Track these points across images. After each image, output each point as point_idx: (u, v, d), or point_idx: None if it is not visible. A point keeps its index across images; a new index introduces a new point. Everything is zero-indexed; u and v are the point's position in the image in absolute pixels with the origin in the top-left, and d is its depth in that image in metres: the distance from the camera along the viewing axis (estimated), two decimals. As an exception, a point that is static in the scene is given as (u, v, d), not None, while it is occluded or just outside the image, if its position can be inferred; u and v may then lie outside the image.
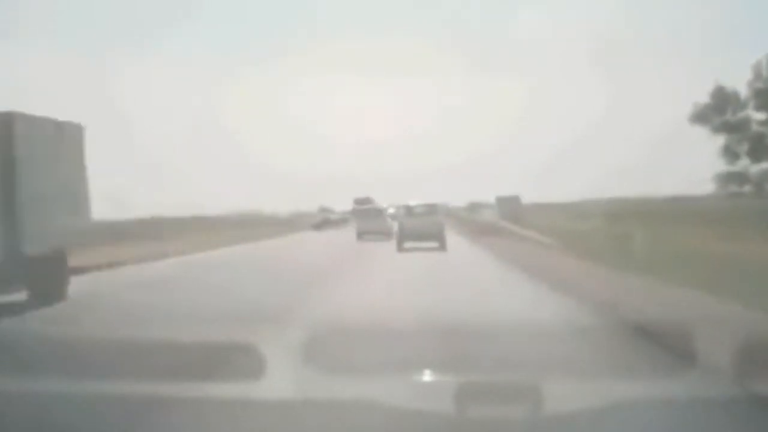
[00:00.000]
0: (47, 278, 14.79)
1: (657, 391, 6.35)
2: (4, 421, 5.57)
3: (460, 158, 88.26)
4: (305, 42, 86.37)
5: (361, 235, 40.96)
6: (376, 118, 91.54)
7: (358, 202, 68.05)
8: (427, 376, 7.10)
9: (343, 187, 69.92)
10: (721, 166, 44.44)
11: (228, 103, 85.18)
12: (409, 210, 32.59)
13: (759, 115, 44.51)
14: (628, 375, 7.15)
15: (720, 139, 44.61)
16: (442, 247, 29.87)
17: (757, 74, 43.87)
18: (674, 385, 6.55)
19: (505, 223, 42.24)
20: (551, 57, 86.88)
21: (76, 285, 15.95)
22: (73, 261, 16.64)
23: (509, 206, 53.28)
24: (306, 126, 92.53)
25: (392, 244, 31.90)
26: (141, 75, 77.17)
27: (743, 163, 44.53)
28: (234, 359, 7.33)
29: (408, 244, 30.20)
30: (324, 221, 63.35)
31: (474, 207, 70.75)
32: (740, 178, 44.67)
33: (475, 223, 49.42)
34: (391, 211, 50.83)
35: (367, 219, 44.05)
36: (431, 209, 32.59)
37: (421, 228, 30.93)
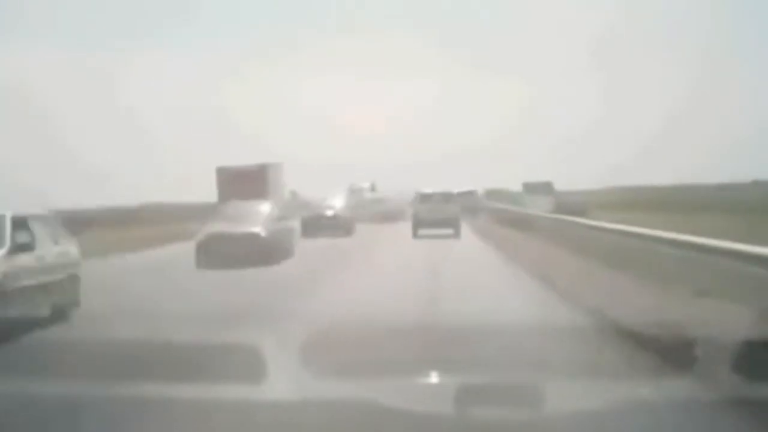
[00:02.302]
0: None
1: (656, 393, 6.37)
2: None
3: (464, 146, 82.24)
4: (308, 38, 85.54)
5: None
6: (374, 108, 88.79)
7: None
8: (428, 378, 7.12)
9: (343, 175, 57.44)
10: None
11: (231, 95, 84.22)
12: (424, 197, 32.33)
13: None
14: (629, 376, 7.11)
15: None
16: (457, 234, 29.93)
17: None
18: (674, 386, 6.54)
19: None
20: (560, 47, 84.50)
21: None
22: None
23: (543, 195, 42.66)
24: (309, 117, 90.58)
25: None
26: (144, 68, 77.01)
27: None
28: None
29: (422, 231, 30.29)
30: None
31: (495, 195, 51.77)
32: None
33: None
34: (333, 203, 35.23)
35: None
36: (446, 197, 32.33)
37: (436, 215, 30.97)
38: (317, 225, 32.43)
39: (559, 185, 46.56)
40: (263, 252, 20.02)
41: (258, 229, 20.81)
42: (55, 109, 69.05)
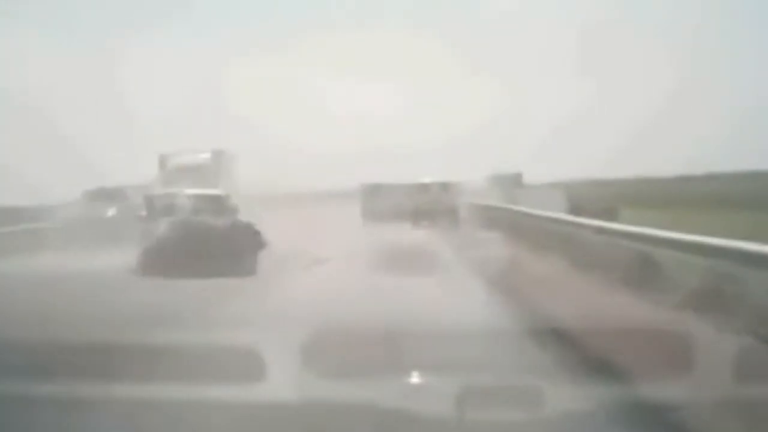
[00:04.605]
0: None
1: (655, 395, 6.32)
2: None
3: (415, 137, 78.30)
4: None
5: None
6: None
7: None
8: (426, 379, 7.08)
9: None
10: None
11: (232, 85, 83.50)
12: (421, 188, 32.20)
13: None
14: (628, 379, 7.11)
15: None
16: (454, 225, 29.30)
17: None
18: (673, 389, 6.52)
19: None
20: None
21: None
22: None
23: (513, 189, 33.67)
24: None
25: None
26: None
27: None
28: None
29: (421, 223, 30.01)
30: None
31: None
32: None
33: None
34: None
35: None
36: (444, 187, 32.07)
37: (434, 207, 30.71)
38: None
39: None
40: None
41: None
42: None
